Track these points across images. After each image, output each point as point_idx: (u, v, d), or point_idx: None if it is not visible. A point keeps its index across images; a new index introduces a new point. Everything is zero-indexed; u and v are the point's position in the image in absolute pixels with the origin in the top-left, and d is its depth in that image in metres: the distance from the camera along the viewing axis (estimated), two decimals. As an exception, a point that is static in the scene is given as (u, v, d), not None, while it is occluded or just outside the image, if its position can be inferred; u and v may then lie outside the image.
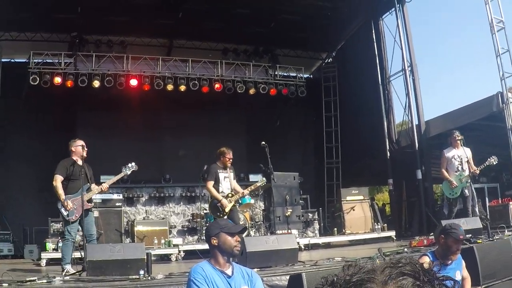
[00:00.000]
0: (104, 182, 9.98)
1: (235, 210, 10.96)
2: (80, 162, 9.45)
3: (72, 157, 9.59)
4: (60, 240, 11.93)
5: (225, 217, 10.52)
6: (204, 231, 10.92)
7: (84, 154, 9.52)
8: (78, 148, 9.55)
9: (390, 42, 18.01)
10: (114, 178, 9.96)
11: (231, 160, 10.89)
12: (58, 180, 9.27)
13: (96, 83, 16.77)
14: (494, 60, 14.63)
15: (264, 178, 11.26)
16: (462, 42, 78.36)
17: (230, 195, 10.76)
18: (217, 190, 10.71)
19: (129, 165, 10.00)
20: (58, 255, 11.41)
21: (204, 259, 4.95)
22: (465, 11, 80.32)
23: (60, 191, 9.19)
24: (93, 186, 9.61)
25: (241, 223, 11.90)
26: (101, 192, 9.96)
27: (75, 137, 10.12)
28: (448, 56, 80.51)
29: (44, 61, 16.55)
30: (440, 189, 13.56)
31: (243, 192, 10.96)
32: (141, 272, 7.44)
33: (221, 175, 10.84)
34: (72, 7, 16.34)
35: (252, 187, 11.31)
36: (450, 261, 6.21)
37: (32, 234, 15.27)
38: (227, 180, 10.90)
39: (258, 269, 7.79)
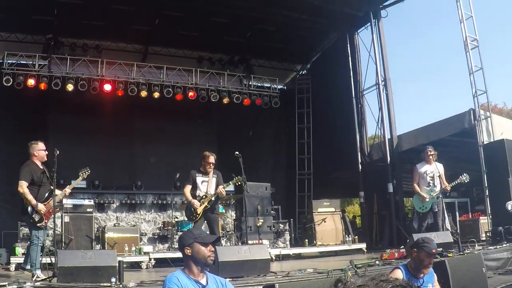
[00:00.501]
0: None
1: (214, 219, 10.69)
2: (41, 166, 9.33)
3: (33, 161, 9.34)
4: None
5: (198, 220, 10.36)
6: (177, 240, 10.81)
7: (45, 158, 9.41)
8: (41, 152, 9.37)
9: (364, 56, 18.21)
10: (74, 183, 9.77)
11: (211, 165, 10.64)
12: (24, 186, 9.03)
13: (70, 87, 16.60)
14: (467, 78, 14.89)
15: (239, 176, 11.05)
16: (436, 57, 79.39)
17: (203, 197, 10.50)
18: (194, 195, 10.48)
19: (83, 169, 9.78)
20: (27, 260, 11.30)
21: (176, 268, 4.93)
22: (440, 29, 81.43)
23: (30, 196, 8.96)
24: (57, 191, 9.45)
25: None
26: (64, 196, 9.84)
27: (47, 140, 9.90)
28: (422, 72, 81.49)
29: (18, 62, 16.37)
30: (411, 202, 13.68)
31: (216, 191, 10.60)
32: (113, 279, 7.38)
33: (199, 179, 10.61)
34: (48, 9, 16.21)
35: (226, 186, 10.82)
36: (422, 275, 6.26)
37: (1, 238, 15.01)
38: (204, 185, 10.62)
39: (230, 279, 7.75)
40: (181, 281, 4.59)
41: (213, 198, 10.68)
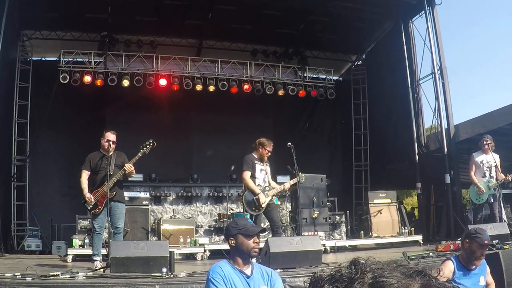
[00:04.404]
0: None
1: (274, 207, 10.46)
2: (106, 154, 9.57)
3: (100, 150, 9.77)
4: (86, 237, 12.09)
5: (260, 212, 10.14)
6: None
7: (110, 150, 9.57)
8: (103, 143, 9.68)
9: (420, 45, 17.87)
10: (134, 159, 9.67)
11: (269, 154, 10.45)
12: (82, 174, 9.57)
13: (126, 83, 16.92)
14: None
15: (303, 175, 10.92)
16: (493, 45, 77.64)
17: (267, 188, 10.27)
18: (254, 183, 10.16)
19: (146, 143, 9.63)
20: (84, 251, 11.63)
21: (225, 259, 4.97)
22: (496, 15, 79.53)
23: (83, 185, 9.45)
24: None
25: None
26: (127, 173, 9.69)
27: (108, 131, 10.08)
28: (479, 61, 79.81)
29: (74, 60, 16.77)
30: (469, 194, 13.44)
31: (283, 186, 10.50)
32: (164, 269, 7.47)
33: (258, 166, 10.33)
34: (102, 7, 16.48)
35: (291, 182, 10.75)
36: (474, 266, 6.16)
37: (60, 230, 15.45)
38: (263, 173, 10.39)
39: (281, 270, 7.80)
40: (225, 270, 4.64)
41: (280, 192, 10.64)
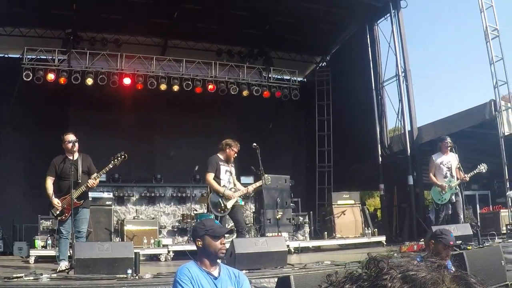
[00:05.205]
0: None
1: (238, 208, 10.40)
2: (71, 158, 9.38)
3: (65, 154, 9.51)
4: (49, 238, 11.93)
5: (226, 213, 10.03)
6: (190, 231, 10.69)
7: (75, 149, 9.42)
8: (66, 145, 9.46)
9: (384, 47, 18.04)
10: (103, 170, 9.59)
11: (236, 155, 10.38)
12: (47, 180, 9.32)
13: (89, 81, 16.67)
14: (488, 68, 14.70)
15: (269, 177, 10.89)
16: (456, 48, 78.63)
17: (232, 190, 10.13)
18: (218, 184, 10.05)
19: (118, 155, 9.54)
20: (46, 252, 11.47)
21: (192, 260, 4.93)
22: (460, 19, 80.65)
23: (49, 191, 9.21)
24: (90, 181, 9.44)
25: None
26: (89, 188, 9.54)
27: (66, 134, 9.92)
28: (442, 63, 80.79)
29: (38, 57, 16.46)
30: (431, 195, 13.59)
31: (247, 188, 10.41)
32: (129, 271, 7.40)
33: (223, 168, 10.20)
34: (67, 4, 16.29)
35: (257, 184, 10.65)
36: (439, 267, 6.19)
37: (22, 231, 15.17)
38: (228, 174, 10.26)
39: (247, 271, 7.78)
40: (192, 272, 4.61)
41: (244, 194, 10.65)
